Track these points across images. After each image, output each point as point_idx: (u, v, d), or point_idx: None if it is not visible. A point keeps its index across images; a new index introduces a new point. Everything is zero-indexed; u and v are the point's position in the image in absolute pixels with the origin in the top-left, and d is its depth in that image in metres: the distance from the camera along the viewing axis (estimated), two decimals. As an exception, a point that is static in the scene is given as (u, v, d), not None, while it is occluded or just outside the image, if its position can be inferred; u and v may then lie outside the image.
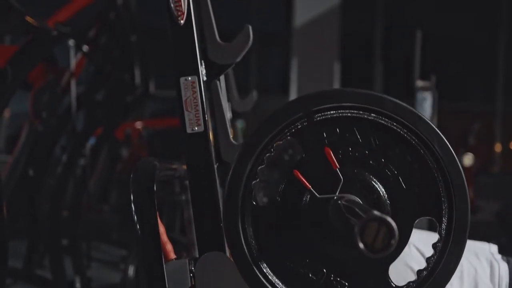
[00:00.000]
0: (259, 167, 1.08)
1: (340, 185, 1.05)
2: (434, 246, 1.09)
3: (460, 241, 1.08)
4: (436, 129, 1.06)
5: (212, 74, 1.25)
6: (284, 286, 1.08)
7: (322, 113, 1.07)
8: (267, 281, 1.08)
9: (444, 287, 1.08)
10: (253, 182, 1.08)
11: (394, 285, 1.08)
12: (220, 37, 1.25)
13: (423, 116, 1.07)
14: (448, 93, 8.82)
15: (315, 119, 1.08)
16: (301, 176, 1.06)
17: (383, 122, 1.07)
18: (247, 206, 1.09)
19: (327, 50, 9.41)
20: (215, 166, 1.22)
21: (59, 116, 3.65)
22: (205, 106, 1.20)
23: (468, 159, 4.48)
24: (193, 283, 1.19)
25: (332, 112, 1.08)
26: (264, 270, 1.09)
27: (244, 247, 1.08)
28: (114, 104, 3.82)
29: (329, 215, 1.05)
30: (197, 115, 1.19)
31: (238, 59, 1.23)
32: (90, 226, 4.22)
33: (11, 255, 1.94)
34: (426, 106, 4.23)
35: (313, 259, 1.08)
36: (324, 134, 1.08)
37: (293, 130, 1.08)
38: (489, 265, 1.64)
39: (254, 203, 1.09)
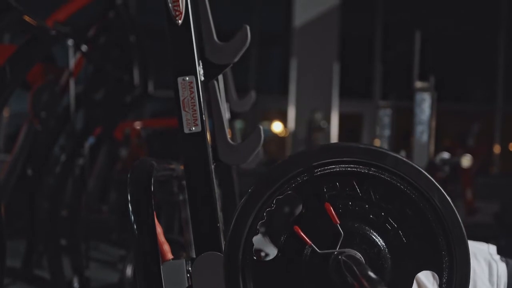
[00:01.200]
0: (260, 222, 1.09)
1: (341, 240, 1.05)
2: None
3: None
4: (436, 183, 1.07)
5: (210, 74, 1.24)
6: None
7: (323, 168, 1.08)
8: None
9: None
10: (254, 237, 1.09)
11: None
12: (219, 37, 1.24)
13: (423, 171, 1.07)
14: (448, 94, 8.83)
15: (315, 174, 1.08)
16: (301, 233, 1.07)
17: (383, 176, 1.07)
18: (248, 261, 1.09)
19: (327, 51, 9.41)
20: (213, 166, 1.22)
21: (58, 116, 3.65)
22: (202, 106, 1.20)
23: (466, 160, 4.48)
24: (190, 283, 1.19)
25: (332, 166, 1.08)
26: None
27: None
28: (113, 104, 3.81)
29: (330, 271, 1.06)
30: (194, 115, 1.19)
31: (236, 59, 1.23)
32: (89, 226, 4.21)
33: (10, 254, 1.94)
34: (425, 107, 4.23)
35: None
36: (325, 188, 1.08)
37: (294, 185, 1.08)
38: (488, 265, 1.64)
39: (255, 258, 1.09)
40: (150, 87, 3.73)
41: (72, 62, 3.56)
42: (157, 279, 1.15)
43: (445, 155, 4.52)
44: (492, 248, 1.73)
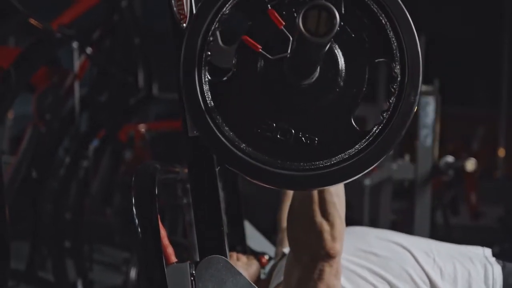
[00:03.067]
0: (210, 41, 1.09)
1: (290, 43, 1.05)
2: (391, 86, 1.08)
3: (416, 73, 1.07)
4: None
5: (215, 78, 1.24)
6: (254, 150, 1.08)
7: None
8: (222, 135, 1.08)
9: (410, 117, 1.07)
10: (207, 57, 1.09)
11: (358, 129, 1.08)
12: (223, 40, 1.25)
13: None
14: (452, 98, 8.82)
15: None
16: (250, 40, 1.06)
17: None
18: (202, 79, 1.09)
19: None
20: (216, 170, 1.22)
21: (62, 118, 3.65)
22: (207, 109, 1.20)
23: (471, 164, 4.47)
24: (193, 287, 1.19)
25: None
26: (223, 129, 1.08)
27: (200, 99, 1.09)
28: (117, 106, 3.82)
29: (286, 73, 1.06)
30: (199, 119, 1.19)
31: (240, 63, 1.23)
32: (93, 228, 4.22)
33: (14, 257, 1.94)
34: (429, 110, 4.23)
35: (278, 120, 1.08)
36: None
37: (235, 3, 1.09)
38: (483, 268, 1.65)
39: (210, 77, 1.10)
40: (155, 90, 3.74)
41: (76, 64, 3.57)
42: (161, 282, 1.15)
43: (450, 158, 4.50)
44: (488, 252, 1.74)
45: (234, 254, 1.88)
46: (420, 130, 4.22)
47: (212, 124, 1.08)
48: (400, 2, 1.08)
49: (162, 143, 5.71)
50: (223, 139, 1.08)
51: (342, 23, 1.07)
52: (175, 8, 1.20)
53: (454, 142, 6.68)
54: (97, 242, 4.81)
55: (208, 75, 1.10)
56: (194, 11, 1.19)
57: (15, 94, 2.30)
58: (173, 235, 3.72)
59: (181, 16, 1.19)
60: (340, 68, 1.08)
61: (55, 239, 3.60)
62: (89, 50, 3.50)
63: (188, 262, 1.21)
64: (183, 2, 1.19)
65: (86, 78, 3.87)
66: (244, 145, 1.08)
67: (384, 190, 4.82)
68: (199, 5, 1.11)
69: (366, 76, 1.08)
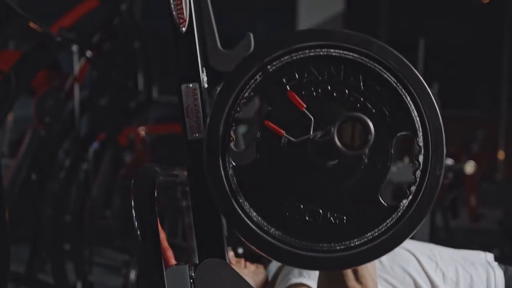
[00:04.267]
0: (231, 129, 1.10)
1: (312, 124, 1.06)
2: (416, 157, 1.09)
3: (439, 146, 1.08)
4: (387, 46, 1.09)
5: (214, 81, 1.25)
6: (283, 234, 1.08)
7: (275, 62, 1.09)
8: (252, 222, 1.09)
9: (437, 191, 1.08)
10: (230, 144, 1.10)
11: (386, 205, 1.09)
12: (224, 44, 1.25)
13: (372, 39, 1.09)
14: (452, 101, 8.82)
15: (270, 69, 1.09)
16: (273, 125, 1.07)
17: (336, 53, 1.09)
18: (227, 166, 1.10)
19: (331, 57, 9.40)
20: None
21: (62, 121, 3.66)
22: (206, 113, 1.21)
23: (470, 167, 4.47)
24: (193, 289, 1.20)
25: (283, 58, 1.09)
26: (251, 214, 1.09)
27: (227, 190, 1.09)
28: (118, 110, 3.83)
29: (310, 156, 1.07)
30: (198, 122, 1.20)
31: (239, 67, 1.23)
32: (93, 231, 4.22)
33: (14, 259, 1.94)
34: (428, 113, 4.23)
35: (306, 202, 1.09)
36: (284, 80, 1.09)
37: (253, 86, 1.09)
38: (486, 272, 1.66)
39: (234, 163, 1.10)
40: (155, 93, 3.74)
41: (76, 68, 3.57)
42: (160, 285, 1.15)
43: (449, 161, 4.50)
44: (490, 256, 1.74)
45: (242, 261, 1.88)
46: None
47: (239, 210, 1.09)
48: (419, 75, 1.08)
49: (162, 146, 5.70)
50: (251, 224, 1.09)
51: (362, 99, 1.08)
52: (174, 12, 1.20)
53: (454, 145, 6.67)
54: (97, 244, 4.81)
55: (232, 161, 1.10)
56: (193, 16, 1.20)
57: (15, 97, 2.30)
58: (173, 237, 3.72)
59: (181, 21, 1.20)
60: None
61: (55, 241, 3.60)
62: (89, 53, 3.51)
63: (188, 264, 1.21)
64: (182, 6, 1.20)
65: (86, 82, 3.88)
66: (273, 229, 1.08)
67: (384, 192, 4.81)
68: (218, 90, 1.11)
69: (391, 150, 1.09)
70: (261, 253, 1.10)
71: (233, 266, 1.77)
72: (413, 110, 1.08)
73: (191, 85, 1.20)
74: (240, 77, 1.09)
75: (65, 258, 3.61)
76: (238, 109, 1.09)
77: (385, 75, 1.08)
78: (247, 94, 1.09)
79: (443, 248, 1.77)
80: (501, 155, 9.78)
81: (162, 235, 1.22)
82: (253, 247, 1.10)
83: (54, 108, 3.49)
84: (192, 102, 1.20)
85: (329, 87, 1.09)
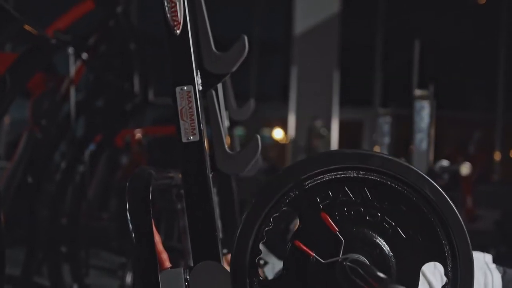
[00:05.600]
0: (260, 242, 1.10)
1: (343, 247, 1.06)
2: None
3: (468, 279, 1.09)
4: (425, 176, 1.09)
5: (208, 84, 1.25)
6: None
7: (312, 179, 1.09)
8: None
9: None
10: (257, 258, 1.10)
11: None
12: (220, 46, 1.25)
13: (411, 166, 1.09)
14: (448, 102, 8.83)
15: (306, 186, 1.09)
16: (303, 246, 1.07)
17: (373, 177, 1.09)
18: (254, 282, 1.10)
19: (327, 58, 9.43)
20: (210, 175, 1.22)
21: (58, 123, 3.66)
22: (200, 115, 1.20)
23: (465, 168, 4.48)
24: (188, 292, 1.19)
25: (321, 176, 1.09)
26: None
27: None
28: (114, 112, 3.83)
29: (337, 279, 1.06)
30: (192, 125, 1.20)
31: (234, 69, 1.23)
32: (89, 233, 4.22)
33: (9, 262, 1.94)
34: (424, 115, 4.24)
35: None
36: (318, 199, 1.09)
37: (287, 201, 1.09)
38: (483, 275, 1.65)
39: (261, 278, 1.10)
40: (150, 95, 3.74)
41: (72, 70, 3.57)
42: (155, 288, 1.15)
43: (445, 162, 4.51)
44: (488, 257, 1.73)
45: None
46: (415, 134, 4.23)
47: None
48: (453, 206, 1.08)
49: (159, 147, 5.71)
50: None
51: (394, 225, 1.08)
52: (168, 15, 1.20)
53: (450, 146, 6.68)
54: (93, 247, 4.81)
55: (261, 275, 1.10)
56: (187, 18, 1.20)
57: (11, 99, 2.30)
58: (169, 240, 3.72)
59: (175, 23, 1.20)
60: (392, 271, 1.08)
61: (51, 244, 3.60)
62: (85, 55, 3.51)
63: (182, 267, 1.21)
64: (176, 8, 1.20)
65: (82, 84, 3.88)
66: None
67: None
68: (252, 204, 1.12)
69: (418, 278, 1.08)
70: None
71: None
72: (444, 240, 1.08)
73: (185, 88, 1.20)
74: (276, 191, 1.09)
75: (61, 261, 3.61)
76: (270, 224, 1.10)
77: (419, 203, 1.08)
78: (281, 209, 1.09)
79: None
80: (497, 156, 9.79)
81: (157, 238, 1.22)
82: None
83: (50, 110, 3.49)
84: (187, 104, 1.20)
85: (362, 210, 1.09)
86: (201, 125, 1.20)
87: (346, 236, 1.06)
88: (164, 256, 1.26)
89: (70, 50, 3.47)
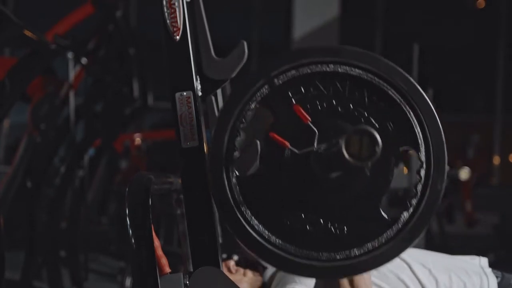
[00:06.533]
0: (235, 138, 1.11)
1: (316, 137, 1.08)
2: (418, 171, 1.11)
3: (441, 161, 1.11)
4: (395, 66, 1.11)
5: (207, 90, 1.25)
6: (284, 242, 1.10)
7: (283, 75, 1.11)
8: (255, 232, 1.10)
9: (437, 205, 1.10)
10: (234, 154, 1.11)
11: (387, 218, 1.11)
12: (220, 50, 1.26)
13: (381, 58, 1.12)
14: (447, 105, 8.84)
15: (277, 83, 1.11)
16: (278, 137, 1.09)
17: (343, 70, 1.11)
18: (230, 176, 1.11)
19: (326, 62, 9.41)
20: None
21: (57, 128, 3.66)
22: (200, 121, 1.21)
23: (464, 173, 4.48)
24: (187, 297, 1.20)
25: (291, 72, 1.11)
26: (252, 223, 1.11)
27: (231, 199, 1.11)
28: (113, 116, 3.83)
29: (313, 167, 1.09)
30: (192, 130, 1.20)
31: (233, 75, 1.24)
32: (88, 237, 4.21)
33: (9, 266, 1.94)
34: (423, 119, 4.23)
35: (307, 212, 1.10)
36: (290, 93, 1.11)
37: (260, 97, 1.12)
38: (479, 279, 1.66)
39: (237, 173, 1.11)
40: (150, 100, 3.75)
41: (72, 74, 3.58)
42: (154, 293, 1.15)
43: (444, 167, 4.50)
44: (484, 261, 1.74)
45: (241, 269, 1.89)
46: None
47: (241, 218, 1.10)
48: (423, 93, 1.11)
49: (158, 152, 5.70)
50: (253, 233, 1.10)
51: (366, 114, 1.11)
52: (168, 21, 1.21)
53: (449, 149, 6.67)
54: (92, 251, 4.80)
55: (236, 171, 1.11)
56: (187, 24, 1.20)
57: (10, 103, 2.31)
58: (169, 244, 3.72)
59: (175, 29, 1.20)
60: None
61: (50, 248, 3.59)
62: (84, 60, 3.51)
63: (182, 273, 1.21)
64: (176, 14, 1.20)
65: (81, 88, 3.88)
66: (274, 237, 1.10)
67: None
68: (224, 102, 1.14)
69: (392, 164, 1.11)
70: (262, 261, 1.11)
71: (233, 275, 1.77)
72: (416, 126, 1.10)
73: (185, 93, 1.21)
74: (247, 89, 1.11)
75: (60, 265, 3.61)
76: (244, 120, 1.11)
77: (390, 92, 1.10)
78: (253, 105, 1.11)
79: (437, 254, 1.78)
80: (496, 160, 9.80)
81: (157, 243, 1.22)
82: (254, 255, 1.11)
83: (50, 114, 3.49)
84: (186, 110, 1.20)
85: (334, 102, 1.11)
86: (201, 131, 1.21)
87: (320, 127, 1.08)
88: (164, 261, 1.26)
89: (70, 54, 3.47)
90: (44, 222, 3.73)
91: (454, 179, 4.62)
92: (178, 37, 1.20)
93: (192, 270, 1.20)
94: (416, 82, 1.10)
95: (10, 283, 3.57)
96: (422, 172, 1.10)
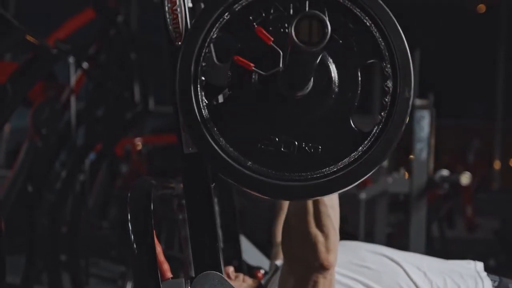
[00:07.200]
0: (201, 68, 1.12)
1: (281, 58, 1.08)
2: (385, 85, 1.11)
3: (407, 71, 1.10)
4: None
5: (210, 95, 1.25)
6: (260, 166, 1.10)
7: (241, 1, 1.12)
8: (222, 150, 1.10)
9: (407, 114, 1.10)
10: (202, 81, 1.12)
11: (358, 129, 1.11)
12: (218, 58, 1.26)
13: None
14: (447, 110, 8.85)
15: (236, 9, 1.12)
16: (242, 59, 1.09)
17: None
18: (200, 106, 1.11)
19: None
20: (212, 186, 1.23)
21: (58, 132, 3.66)
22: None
23: (465, 178, 4.47)
24: (189, 303, 1.20)
25: None
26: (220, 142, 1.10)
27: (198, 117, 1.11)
28: (114, 121, 3.84)
29: (281, 87, 1.09)
30: (193, 136, 1.20)
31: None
32: (89, 242, 4.21)
33: (9, 270, 1.94)
34: (424, 124, 4.23)
35: (280, 134, 1.10)
36: (251, 18, 1.11)
37: (221, 26, 1.12)
38: (474, 283, 1.66)
39: (206, 101, 1.12)
40: (151, 104, 3.75)
41: (73, 79, 3.59)
42: (156, 299, 1.15)
43: (445, 172, 4.50)
44: (479, 266, 1.74)
45: (241, 276, 1.89)
46: (415, 144, 4.23)
47: (215, 146, 1.10)
48: (383, 5, 1.11)
49: (159, 156, 5.71)
50: (228, 159, 1.10)
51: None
52: (170, 27, 1.21)
53: (450, 154, 6.69)
54: (93, 255, 4.80)
55: (205, 99, 1.12)
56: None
57: (12, 108, 2.31)
58: (170, 249, 3.72)
59: (177, 35, 1.20)
60: (332, 75, 1.11)
61: (51, 252, 3.59)
62: (85, 64, 3.52)
63: (183, 278, 1.21)
64: (178, 20, 1.20)
65: (82, 93, 3.89)
66: (249, 162, 1.10)
67: (380, 203, 4.83)
68: (186, 34, 1.15)
69: (359, 79, 1.12)
70: (238, 185, 1.11)
71: (233, 281, 1.78)
72: (379, 39, 1.11)
73: (187, 99, 1.21)
74: (207, 18, 1.12)
75: (61, 269, 3.61)
76: (208, 49, 1.12)
77: (350, 7, 1.11)
78: (215, 34, 1.12)
79: (433, 258, 1.78)
80: (497, 164, 9.79)
81: (159, 249, 1.22)
82: (229, 180, 1.11)
83: (51, 119, 3.49)
84: (188, 116, 1.20)
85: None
86: (203, 137, 1.20)
87: (284, 48, 1.07)
88: (165, 266, 1.26)
89: (71, 59, 3.48)
90: (45, 226, 3.73)
91: (454, 184, 4.61)
92: (180, 43, 1.20)
93: (194, 275, 1.20)
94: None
95: (11, 287, 3.57)
96: (389, 84, 1.10)
